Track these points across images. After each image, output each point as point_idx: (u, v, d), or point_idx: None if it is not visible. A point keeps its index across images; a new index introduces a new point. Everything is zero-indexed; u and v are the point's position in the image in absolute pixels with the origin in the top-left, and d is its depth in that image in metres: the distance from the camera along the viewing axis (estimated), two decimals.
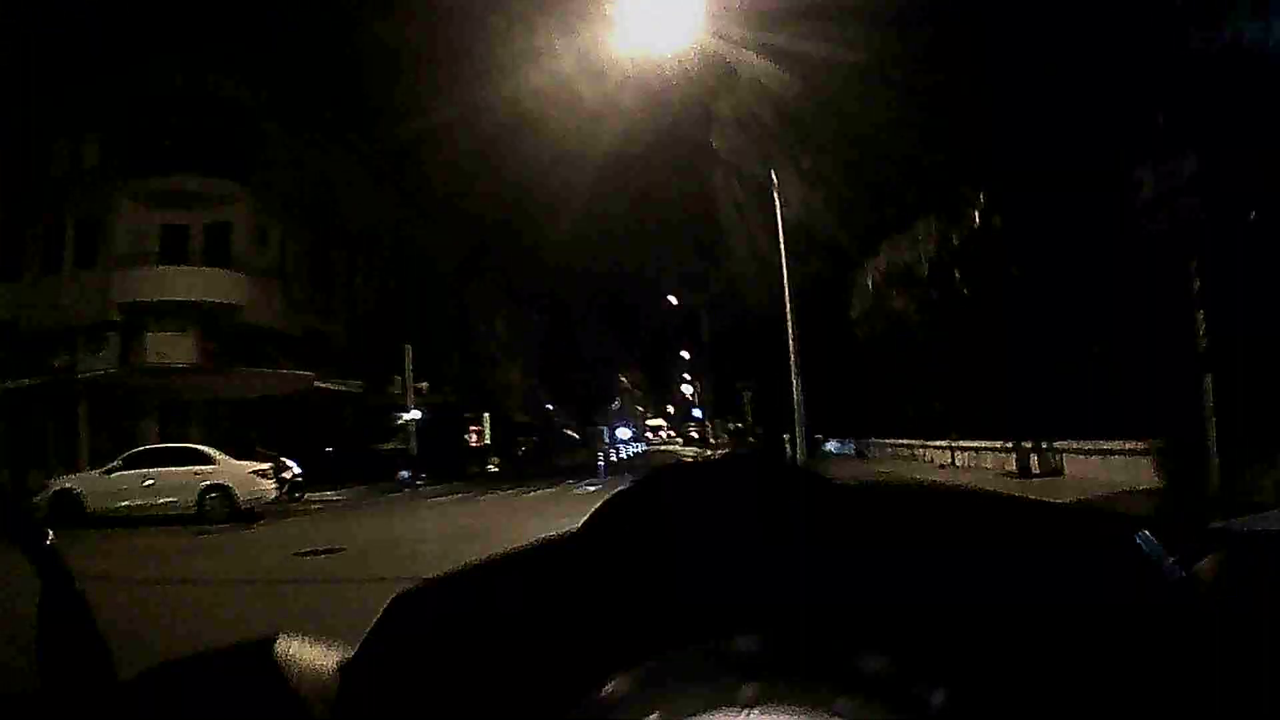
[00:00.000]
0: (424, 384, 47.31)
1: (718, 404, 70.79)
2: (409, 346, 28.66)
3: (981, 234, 13.30)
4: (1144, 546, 0.81)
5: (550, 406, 72.96)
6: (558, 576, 0.84)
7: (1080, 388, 12.30)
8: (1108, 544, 0.84)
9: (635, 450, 61.81)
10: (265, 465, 19.42)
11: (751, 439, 58.40)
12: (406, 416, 44.16)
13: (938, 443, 18.86)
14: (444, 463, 40.64)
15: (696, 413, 78.73)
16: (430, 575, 1.00)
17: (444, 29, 40.02)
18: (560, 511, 14.59)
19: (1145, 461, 10.93)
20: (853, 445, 26.48)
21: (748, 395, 57.37)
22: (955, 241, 14.00)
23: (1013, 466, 14.43)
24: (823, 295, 20.38)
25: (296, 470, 22.92)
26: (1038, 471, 13.56)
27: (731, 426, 70.76)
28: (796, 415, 16.04)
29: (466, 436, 53.45)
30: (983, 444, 16.00)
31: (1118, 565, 0.80)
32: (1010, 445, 14.38)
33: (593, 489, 21.50)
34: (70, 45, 24.41)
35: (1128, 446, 11.46)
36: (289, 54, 29.90)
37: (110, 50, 25.16)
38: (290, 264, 29.96)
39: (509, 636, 0.85)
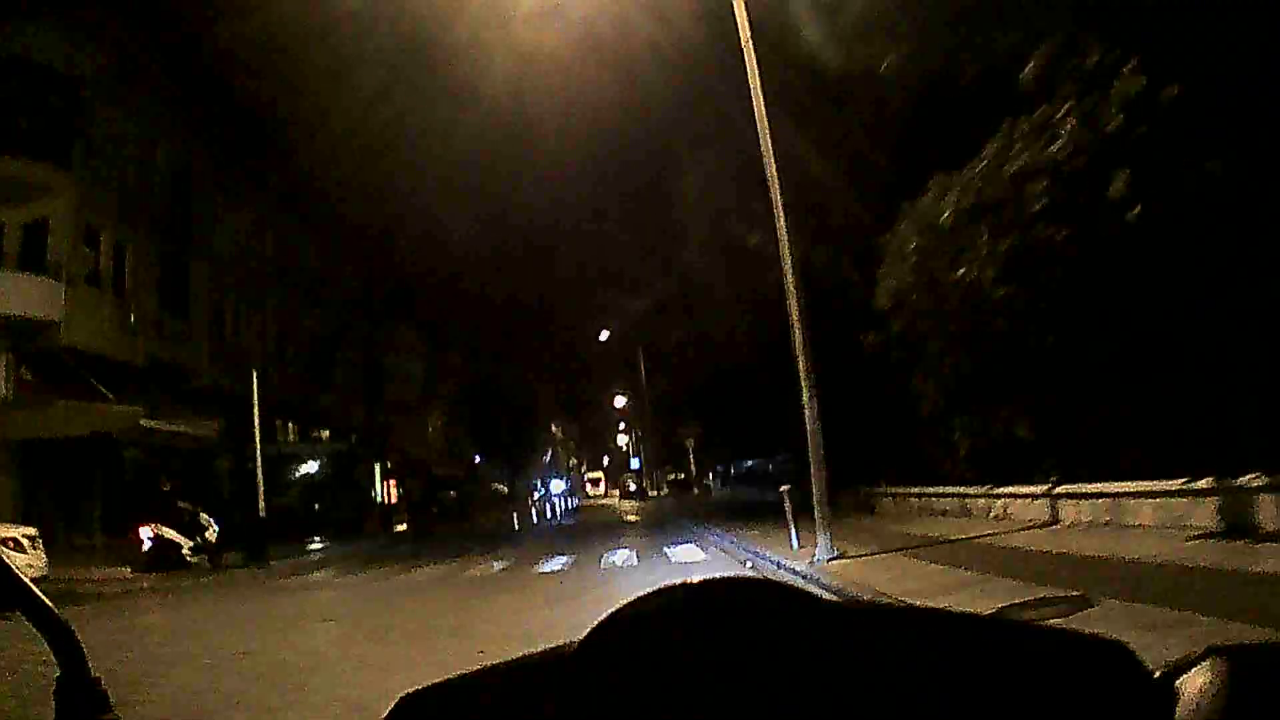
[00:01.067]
0: (324, 431, 40.95)
1: (658, 453, 65.26)
2: (255, 370, 22.63)
3: (1145, 114, 8.51)
4: (1130, 664, 0.84)
5: (479, 459, 66.43)
6: (557, 692, 0.83)
7: None
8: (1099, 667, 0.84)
9: (570, 505, 55.56)
10: (19, 533, 13.54)
11: (696, 490, 52.91)
12: (304, 468, 37.86)
13: (1011, 489, 13.08)
14: (340, 522, 34.42)
15: (634, 463, 72.87)
16: None
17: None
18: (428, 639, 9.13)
19: None
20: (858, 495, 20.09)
21: (690, 442, 52.28)
22: (1108, 126, 9.05)
23: (1206, 520, 8.52)
24: (817, 292, 15.36)
25: (215, 529, 19.57)
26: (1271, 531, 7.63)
27: (672, 477, 65.23)
28: (813, 455, 10.79)
29: (374, 491, 47.05)
30: (1132, 487, 9.94)
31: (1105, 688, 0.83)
32: (1207, 484, 8.57)
33: (496, 566, 16.06)
34: None
35: None
36: (138, 20, 24.26)
37: None
38: (130, 277, 23.88)
39: None
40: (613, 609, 0.85)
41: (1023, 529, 12.09)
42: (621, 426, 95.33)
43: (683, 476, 59.16)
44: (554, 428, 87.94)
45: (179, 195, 26.69)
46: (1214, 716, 0.74)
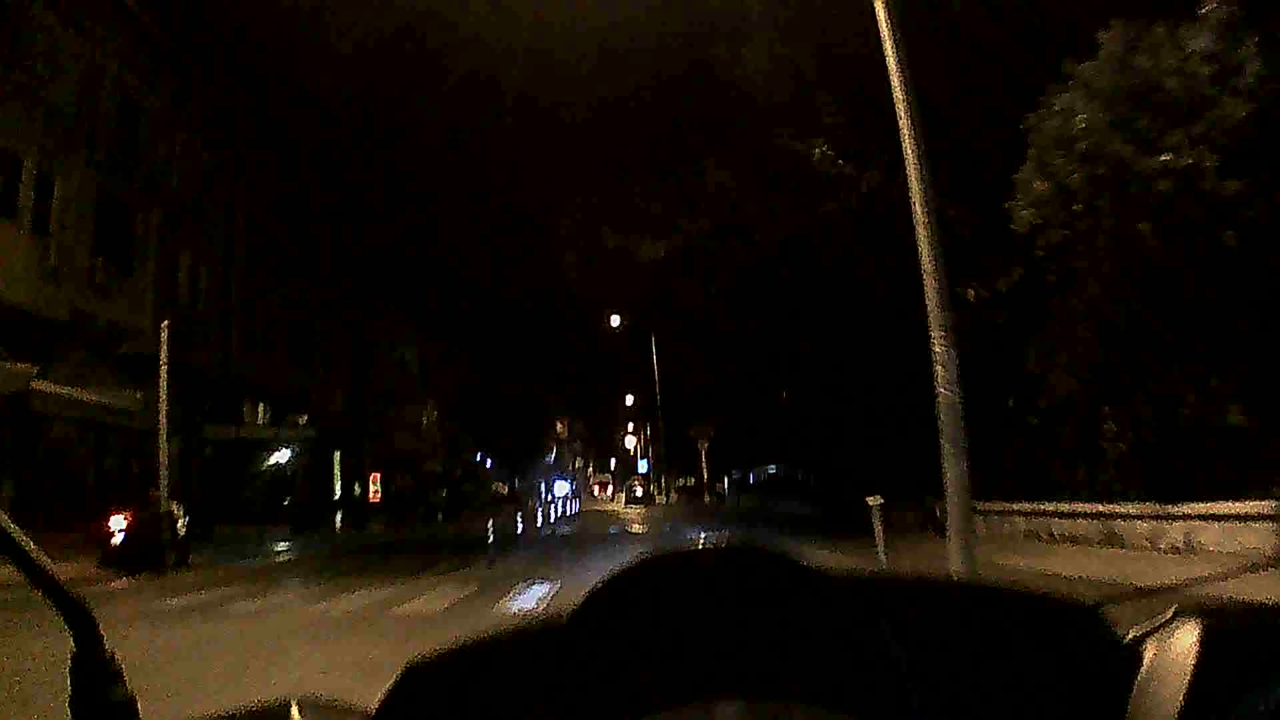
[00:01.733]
0: (302, 417, 36.95)
1: (668, 456, 61.28)
2: (166, 325, 18.62)
3: None
4: (1100, 627, 0.89)
5: (482, 458, 62.41)
6: (552, 660, 0.85)
7: None
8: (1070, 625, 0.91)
9: (571, 510, 51.31)
10: None
11: (707, 497, 48.70)
12: (273, 458, 33.86)
13: (1204, 508, 8.80)
14: (306, 519, 30.50)
15: (643, 466, 68.58)
16: None
17: None
18: None
19: None
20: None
21: (704, 444, 48.22)
22: None
23: None
24: (883, 241, 11.46)
25: (185, 520, 17.01)
26: None
27: (681, 483, 60.94)
28: (950, 443, 6.87)
29: (355, 485, 43.15)
30: None
31: (1076, 642, 0.89)
32: None
33: (451, 596, 12.25)
34: None
35: None
36: None
37: None
38: (58, 216, 20.07)
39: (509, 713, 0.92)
40: (607, 575, 0.85)
41: (1234, 572, 8.01)
42: (630, 427, 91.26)
43: (693, 482, 54.94)
44: (560, 425, 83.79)
45: (127, 128, 22.87)
46: (1183, 675, 0.77)
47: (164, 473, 17.57)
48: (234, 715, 0.97)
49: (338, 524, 33.82)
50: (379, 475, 42.22)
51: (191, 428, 25.32)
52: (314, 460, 33.59)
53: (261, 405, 32.87)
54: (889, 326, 12.51)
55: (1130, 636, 0.87)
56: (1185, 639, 0.79)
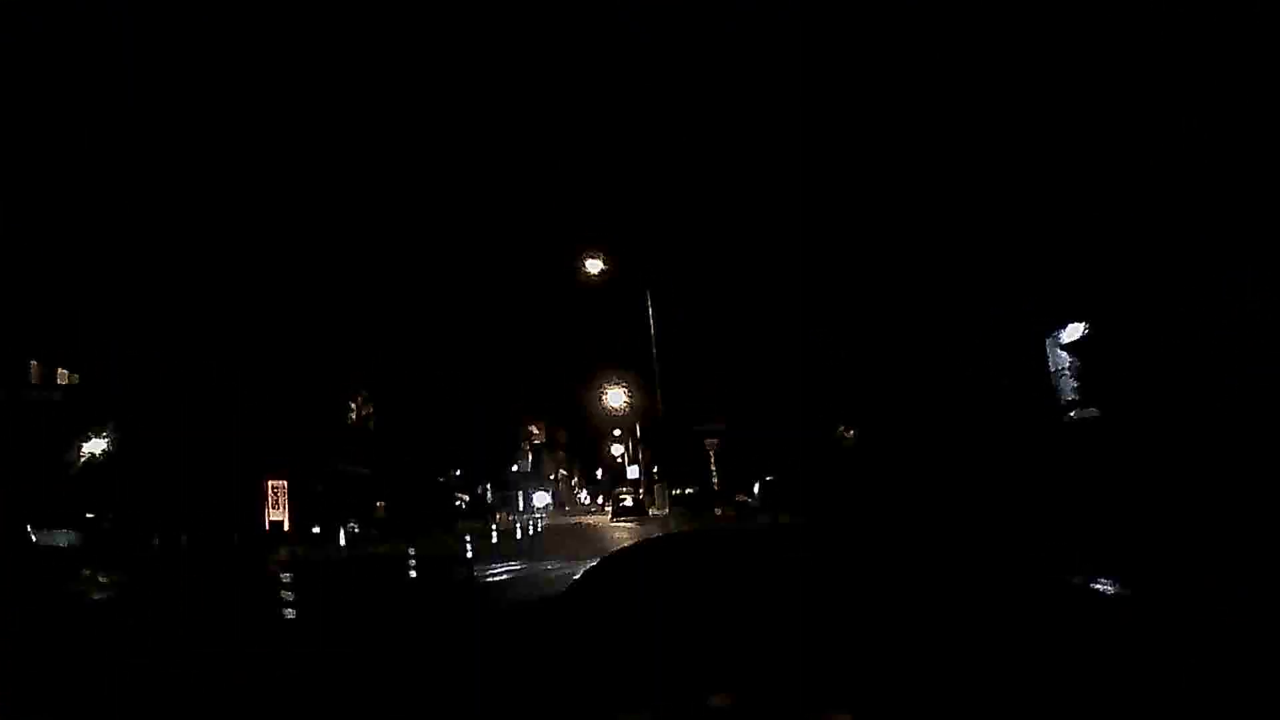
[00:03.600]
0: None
1: (664, 460, 50.65)
2: None
3: None
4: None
5: (451, 467, 51.43)
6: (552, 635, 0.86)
7: None
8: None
9: (533, 528, 39.45)
10: None
11: (720, 509, 37.77)
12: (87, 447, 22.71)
13: None
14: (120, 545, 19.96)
15: (633, 471, 57.62)
16: None
17: None
18: None
19: None
20: None
21: (713, 444, 37.76)
22: None
23: None
24: None
25: None
26: None
27: (679, 491, 50.01)
28: None
29: (260, 503, 32.54)
30: None
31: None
32: None
33: None
34: None
35: None
36: None
37: None
38: None
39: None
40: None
41: None
42: (617, 433, 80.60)
43: (695, 490, 44.00)
44: (535, 429, 73.01)
45: None
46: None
47: None
48: None
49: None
50: (280, 485, 31.49)
51: None
52: (147, 457, 22.94)
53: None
54: None
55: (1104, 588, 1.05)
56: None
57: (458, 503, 54.32)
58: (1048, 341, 14.43)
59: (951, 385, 18.36)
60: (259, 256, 31.34)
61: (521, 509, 71.75)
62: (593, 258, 28.18)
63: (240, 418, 29.83)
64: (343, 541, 25.69)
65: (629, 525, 37.51)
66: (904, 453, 20.70)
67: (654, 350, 31.12)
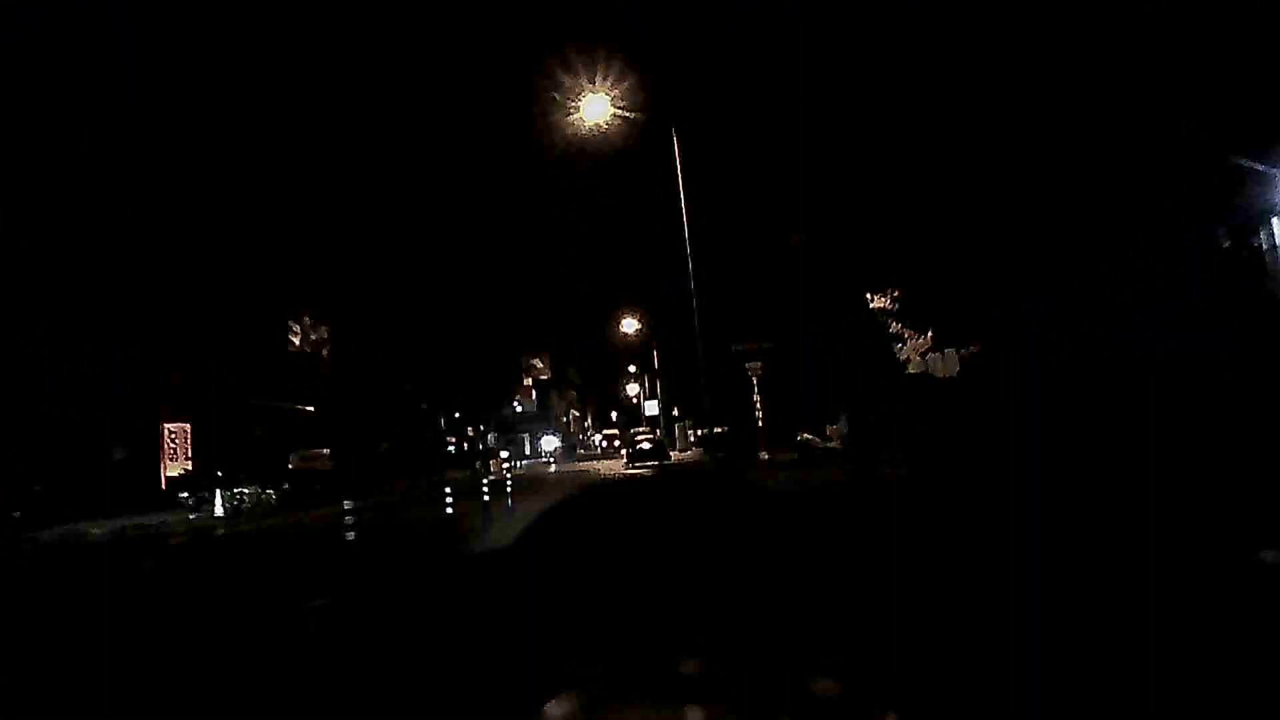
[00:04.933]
0: None
1: (687, 395, 42.40)
2: None
3: None
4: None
5: (427, 405, 43.47)
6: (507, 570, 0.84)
7: None
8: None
9: (512, 478, 30.34)
10: None
11: (787, 454, 29.32)
12: None
13: None
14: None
15: (651, 407, 48.83)
16: None
17: None
18: None
19: None
20: None
21: (755, 367, 29.37)
22: None
23: None
24: None
25: None
26: None
27: (703, 432, 41.67)
28: None
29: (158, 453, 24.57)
30: None
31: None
32: None
33: None
34: None
35: None
36: None
37: None
38: None
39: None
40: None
41: None
42: (633, 369, 72.34)
43: (727, 430, 35.32)
44: (538, 363, 64.57)
45: None
46: None
47: None
48: None
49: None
50: (183, 429, 23.48)
51: None
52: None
53: None
54: None
55: None
56: None
57: (448, 448, 46.60)
58: None
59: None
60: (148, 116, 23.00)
61: (528, 454, 64.24)
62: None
63: (124, 337, 21.86)
64: (219, 510, 17.72)
65: (649, 471, 29.30)
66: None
67: (685, 231, 22.64)
